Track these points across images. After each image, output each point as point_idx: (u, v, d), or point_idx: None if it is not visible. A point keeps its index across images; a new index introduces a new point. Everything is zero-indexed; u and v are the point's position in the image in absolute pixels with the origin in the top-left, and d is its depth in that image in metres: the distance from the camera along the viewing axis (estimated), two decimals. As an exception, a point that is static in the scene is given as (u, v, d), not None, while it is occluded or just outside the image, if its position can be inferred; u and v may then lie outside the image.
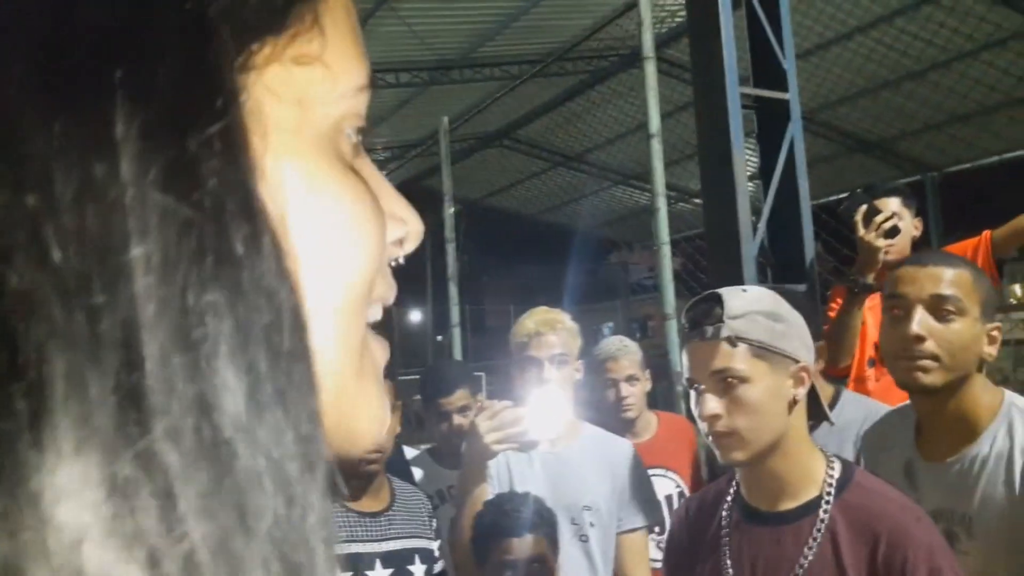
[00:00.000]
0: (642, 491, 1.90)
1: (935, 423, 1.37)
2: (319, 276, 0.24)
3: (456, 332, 5.47)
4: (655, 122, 3.27)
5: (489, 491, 1.71)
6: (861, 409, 1.80)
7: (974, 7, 5.16)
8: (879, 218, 2.14)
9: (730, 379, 1.14)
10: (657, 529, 2.17)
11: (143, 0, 0.19)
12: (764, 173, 2.75)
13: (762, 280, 2.55)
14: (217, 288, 0.19)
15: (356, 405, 0.26)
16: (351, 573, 1.58)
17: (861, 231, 2.16)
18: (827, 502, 1.14)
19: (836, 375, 2.31)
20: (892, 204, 2.29)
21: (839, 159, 7.27)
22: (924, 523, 1.10)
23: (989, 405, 1.33)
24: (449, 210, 5.55)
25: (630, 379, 2.31)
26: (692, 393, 1.21)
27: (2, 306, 0.16)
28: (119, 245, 0.17)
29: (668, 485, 2.27)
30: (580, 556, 1.80)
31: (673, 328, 3.06)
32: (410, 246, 0.30)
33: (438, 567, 1.78)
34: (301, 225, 0.23)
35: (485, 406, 1.66)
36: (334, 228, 0.24)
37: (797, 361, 1.18)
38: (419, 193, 8.31)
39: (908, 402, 1.44)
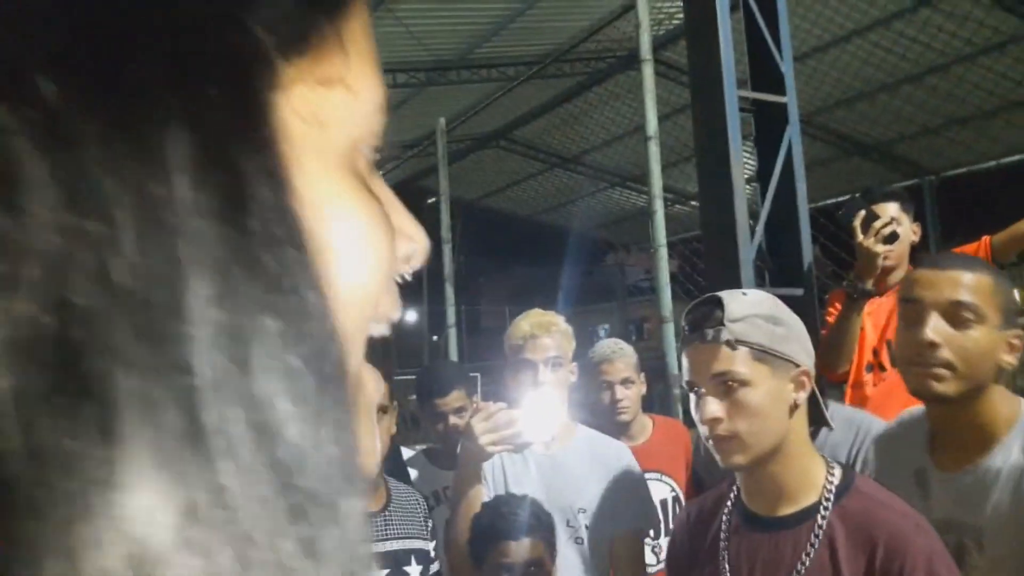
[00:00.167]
0: (637, 493, 1.90)
1: (949, 432, 1.32)
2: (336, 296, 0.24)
3: (452, 333, 5.46)
4: (652, 125, 3.27)
5: (484, 492, 1.70)
6: (850, 424, 1.79)
7: (972, 11, 5.17)
8: (877, 224, 2.14)
9: (731, 382, 1.13)
10: (652, 533, 2.16)
11: (193, 26, 0.20)
12: (762, 176, 2.74)
13: (760, 284, 2.54)
14: (270, 313, 0.19)
15: None
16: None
17: (859, 237, 2.15)
18: (826, 508, 1.13)
19: (834, 381, 2.30)
20: (890, 209, 2.29)
21: (836, 162, 7.28)
22: (924, 530, 1.09)
23: (1007, 416, 1.27)
24: (445, 211, 5.54)
25: (625, 382, 2.30)
26: (692, 396, 1.20)
27: (68, 330, 0.17)
28: (177, 270, 0.18)
29: (663, 489, 2.26)
30: (575, 558, 1.79)
31: (670, 331, 3.05)
32: (416, 263, 0.30)
33: (434, 568, 1.78)
34: (327, 245, 0.23)
35: (480, 407, 1.66)
36: (351, 248, 0.25)
37: (798, 365, 1.17)
38: (415, 193, 8.30)
39: (923, 407, 1.39)
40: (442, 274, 5.60)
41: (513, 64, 6.67)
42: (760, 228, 2.64)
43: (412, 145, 7.58)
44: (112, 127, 0.18)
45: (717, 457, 1.17)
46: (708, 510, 1.29)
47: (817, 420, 1.24)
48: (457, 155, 7.66)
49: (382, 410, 1.66)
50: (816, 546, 1.11)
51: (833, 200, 6.69)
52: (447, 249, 5.51)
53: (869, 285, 2.16)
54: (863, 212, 2.18)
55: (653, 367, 2.82)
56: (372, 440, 0.27)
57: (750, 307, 1.17)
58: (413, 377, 2.90)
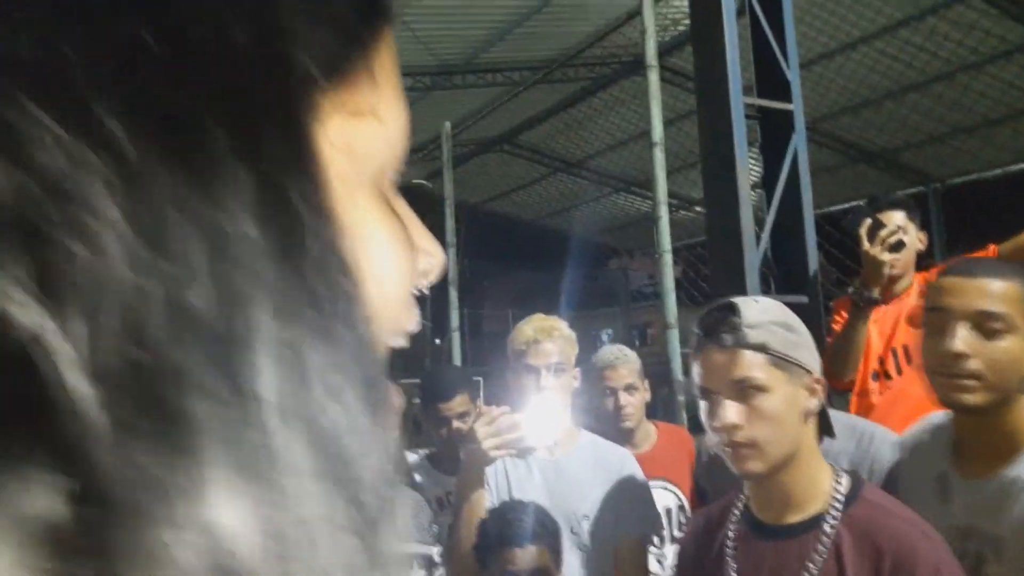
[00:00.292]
0: (641, 500, 1.89)
1: (974, 440, 1.29)
2: None
3: (456, 336, 5.46)
4: (658, 131, 3.26)
5: (487, 497, 1.69)
6: (853, 432, 1.78)
7: (979, 20, 5.17)
8: (884, 232, 2.13)
9: (749, 388, 1.12)
10: (656, 541, 2.15)
11: (245, 65, 0.21)
12: (767, 184, 2.74)
13: (765, 291, 2.53)
14: (325, 337, 0.21)
15: None
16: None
17: (866, 245, 2.14)
18: (833, 516, 1.12)
19: (840, 389, 2.29)
20: (896, 218, 2.28)
21: (842, 169, 7.27)
22: (933, 540, 1.08)
23: None
24: (449, 214, 5.54)
25: (628, 388, 2.29)
26: (703, 403, 1.18)
27: (146, 359, 0.18)
28: (243, 301, 0.19)
29: (668, 498, 2.25)
30: (579, 565, 1.78)
31: (675, 337, 3.04)
32: (433, 277, 0.32)
33: (438, 573, 1.77)
34: (361, 267, 0.25)
35: (483, 412, 1.65)
36: (380, 267, 0.27)
37: (810, 372, 1.17)
38: (419, 197, 8.29)
39: (947, 412, 1.36)
40: (445, 278, 5.60)
41: (518, 69, 6.68)
42: (765, 235, 2.63)
43: (417, 149, 7.59)
44: (178, 167, 0.19)
45: (731, 465, 1.16)
46: (715, 519, 1.28)
47: (823, 429, 1.24)
48: (461, 159, 7.67)
49: None
50: (823, 555, 1.10)
51: (838, 207, 6.69)
52: (451, 253, 5.52)
53: (875, 293, 2.16)
54: (869, 220, 2.17)
55: (657, 373, 2.82)
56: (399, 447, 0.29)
57: (765, 313, 1.17)
58: (416, 381, 2.90)
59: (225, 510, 0.18)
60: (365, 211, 0.26)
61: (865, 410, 2.25)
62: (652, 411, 2.48)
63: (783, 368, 1.14)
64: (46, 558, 0.16)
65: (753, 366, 1.13)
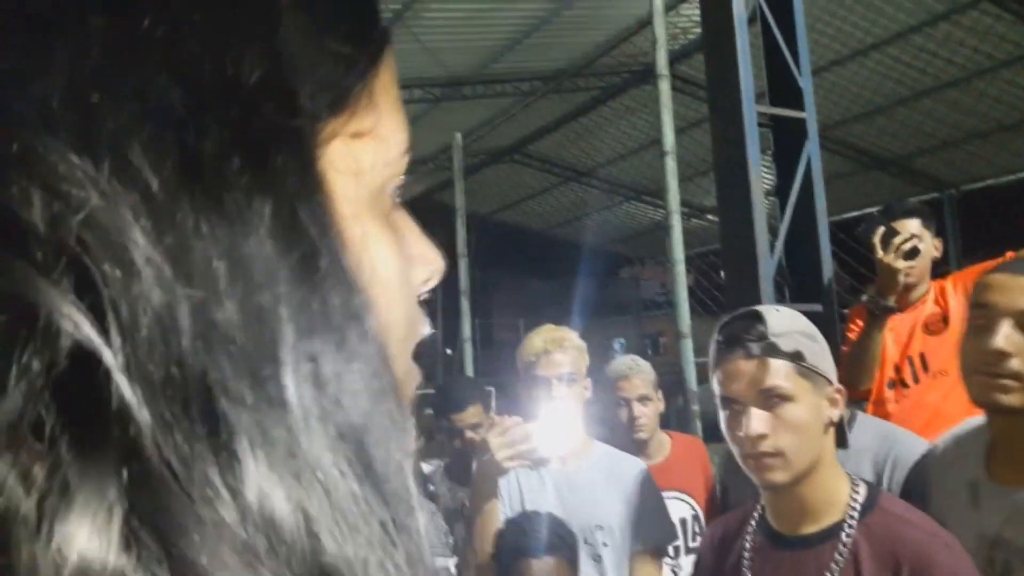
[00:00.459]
0: (655, 509, 1.88)
1: (1009, 445, 1.25)
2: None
3: (468, 346, 5.45)
4: (669, 140, 3.26)
5: (500, 508, 1.69)
6: (877, 433, 1.76)
7: (994, 25, 5.14)
8: (897, 239, 2.12)
9: (775, 397, 1.11)
10: (672, 552, 2.14)
11: (254, 100, 0.23)
12: (780, 192, 2.73)
13: (780, 299, 2.52)
14: (342, 347, 0.23)
15: None
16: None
17: (880, 253, 2.13)
18: (850, 526, 1.11)
19: (856, 398, 2.27)
20: (911, 226, 2.26)
21: (855, 176, 7.24)
22: (951, 549, 1.06)
23: None
24: (461, 224, 5.54)
25: (642, 399, 2.28)
26: (724, 412, 1.17)
27: (183, 371, 0.20)
28: (268, 319, 0.21)
29: (683, 508, 2.23)
30: (594, 577, 1.77)
31: (688, 346, 3.03)
32: (434, 282, 0.34)
33: (452, 586, 1.76)
34: (367, 280, 0.27)
35: (496, 423, 1.65)
36: (384, 279, 0.28)
37: (831, 382, 1.16)
38: (431, 207, 8.33)
39: (983, 417, 1.32)
40: (457, 288, 5.60)
41: (528, 79, 6.70)
42: (779, 243, 2.62)
43: (428, 159, 7.62)
44: (198, 196, 0.21)
45: (754, 475, 1.14)
46: (732, 529, 1.27)
47: (838, 440, 1.22)
48: (472, 169, 7.69)
49: None
50: (841, 565, 1.09)
51: (852, 214, 6.65)
52: (463, 263, 5.52)
53: (891, 301, 2.14)
54: (882, 228, 2.16)
55: (670, 382, 2.80)
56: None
57: (789, 322, 1.16)
58: (429, 392, 2.89)
59: (262, 491, 0.20)
60: (368, 226, 0.28)
61: (881, 419, 2.23)
62: (666, 421, 2.46)
63: (808, 378, 1.13)
64: (116, 530, 0.19)
65: (781, 375, 1.11)
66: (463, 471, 2.13)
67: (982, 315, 1.23)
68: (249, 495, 0.20)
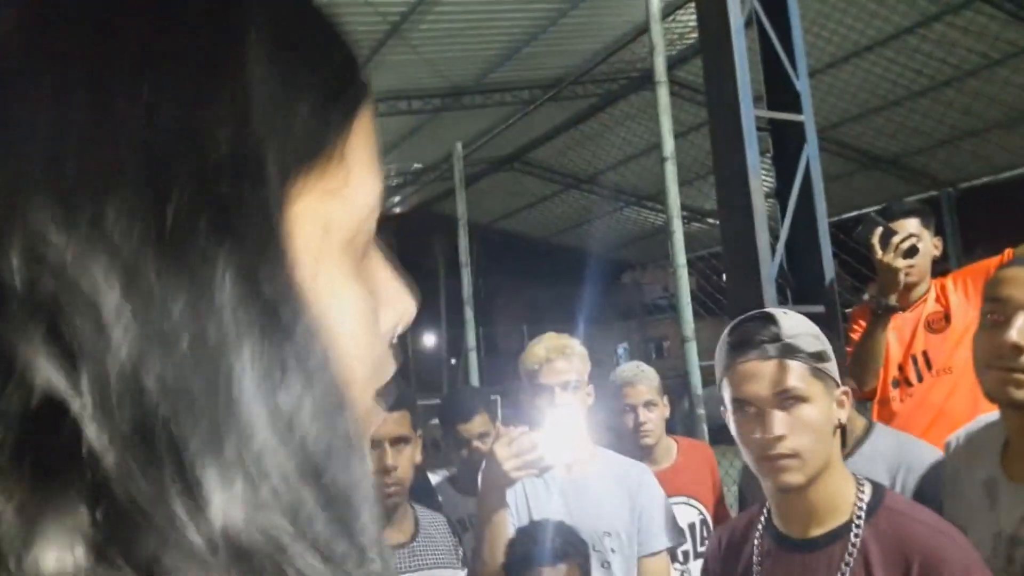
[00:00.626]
0: (662, 514, 1.88)
1: None
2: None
3: (472, 356, 5.45)
4: (669, 145, 3.27)
5: (508, 518, 1.69)
6: (894, 440, 1.77)
7: (989, 25, 5.16)
8: (896, 239, 2.12)
9: (791, 398, 1.12)
10: (681, 557, 2.14)
11: (222, 168, 0.24)
12: (780, 194, 2.74)
13: (782, 302, 2.52)
14: (301, 388, 0.25)
15: None
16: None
17: (879, 253, 2.14)
18: (858, 526, 1.11)
19: (862, 398, 2.28)
20: (910, 225, 2.27)
21: (854, 176, 7.25)
22: (959, 544, 1.07)
23: None
24: (463, 234, 5.55)
25: (648, 405, 2.28)
26: (738, 414, 1.16)
27: (147, 407, 0.22)
28: (226, 370, 0.23)
29: (691, 514, 2.23)
30: (603, 584, 1.77)
31: (693, 350, 3.03)
32: (403, 327, 0.34)
33: (463, 596, 1.76)
34: (330, 328, 0.28)
35: (502, 433, 1.65)
36: (349, 327, 0.29)
37: (838, 384, 1.17)
38: (433, 218, 8.35)
39: (997, 414, 1.31)
40: (460, 298, 5.61)
41: (527, 88, 6.73)
42: (780, 246, 2.63)
43: (428, 170, 7.64)
44: (165, 257, 0.23)
45: (768, 477, 1.14)
46: (740, 534, 1.27)
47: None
48: (473, 178, 7.71)
49: (403, 440, 1.64)
50: (851, 565, 1.09)
51: (850, 214, 6.66)
52: (465, 273, 5.52)
53: (893, 300, 2.14)
54: (880, 229, 2.16)
55: (674, 386, 2.80)
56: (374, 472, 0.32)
57: (799, 324, 1.16)
58: (434, 403, 2.90)
59: (223, 514, 0.22)
60: (335, 278, 0.29)
61: (887, 418, 2.23)
62: (671, 426, 2.47)
63: (820, 379, 1.14)
64: (83, 557, 0.21)
65: (798, 376, 1.12)
66: (470, 481, 2.14)
67: (997, 309, 1.21)
68: (215, 526, 0.22)
